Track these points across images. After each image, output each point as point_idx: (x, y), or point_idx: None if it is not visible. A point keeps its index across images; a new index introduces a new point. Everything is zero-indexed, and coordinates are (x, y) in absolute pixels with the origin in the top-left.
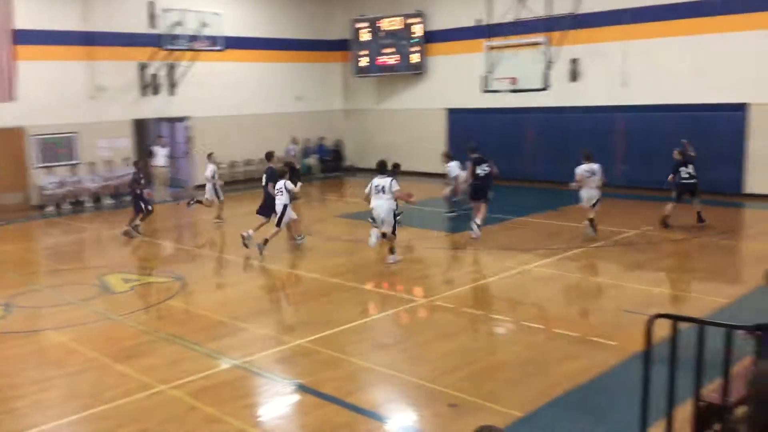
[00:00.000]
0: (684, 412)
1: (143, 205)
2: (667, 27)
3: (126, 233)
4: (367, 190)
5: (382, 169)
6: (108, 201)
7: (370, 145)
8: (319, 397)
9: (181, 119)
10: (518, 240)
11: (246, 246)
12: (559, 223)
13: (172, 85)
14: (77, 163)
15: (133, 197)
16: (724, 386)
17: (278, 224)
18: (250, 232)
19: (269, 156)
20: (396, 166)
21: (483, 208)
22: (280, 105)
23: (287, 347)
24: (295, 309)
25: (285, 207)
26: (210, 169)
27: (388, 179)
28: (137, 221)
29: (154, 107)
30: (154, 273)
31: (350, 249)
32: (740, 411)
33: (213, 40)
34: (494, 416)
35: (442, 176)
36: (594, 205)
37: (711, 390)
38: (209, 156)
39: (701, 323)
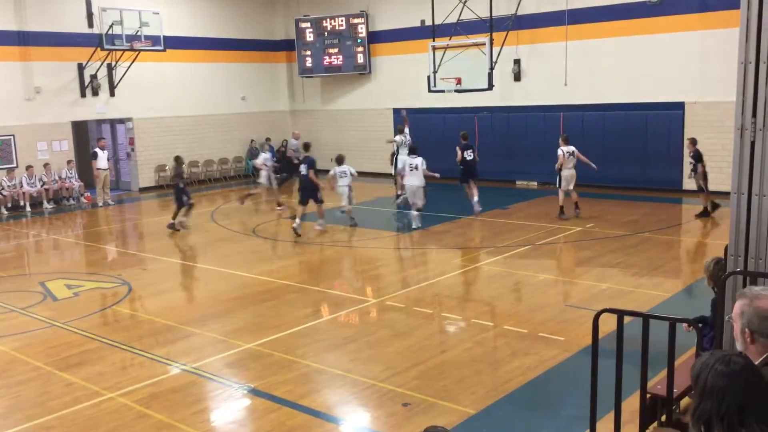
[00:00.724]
0: (632, 404)
1: (185, 199)
2: (606, 28)
3: (171, 226)
4: (400, 167)
5: (414, 151)
6: (48, 205)
7: (317, 146)
8: (272, 401)
9: (122, 121)
10: (467, 238)
11: (298, 234)
12: (506, 222)
13: (113, 86)
14: (14, 167)
15: (176, 190)
16: (668, 378)
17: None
18: (298, 221)
19: (307, 146)
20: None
21: (474, 187)
22: (225, 106)
23: (238, 351)
24: (244, 312)
25: (350, 188)
26: (264, 156)
27: (420, 159)
28: (182, 216)
29: (95, 109)
30: (99, 278)
31: (299, 250)
32: (685, 402)
33: (153, 39)
34: (447, 414)
35: (389, 176)
36: (572, 186)
37: (656, 382)
38: (263, 144)
39: (645, 317)
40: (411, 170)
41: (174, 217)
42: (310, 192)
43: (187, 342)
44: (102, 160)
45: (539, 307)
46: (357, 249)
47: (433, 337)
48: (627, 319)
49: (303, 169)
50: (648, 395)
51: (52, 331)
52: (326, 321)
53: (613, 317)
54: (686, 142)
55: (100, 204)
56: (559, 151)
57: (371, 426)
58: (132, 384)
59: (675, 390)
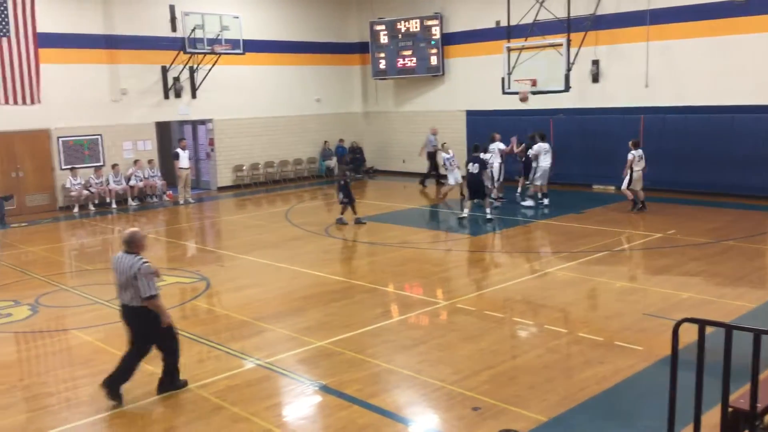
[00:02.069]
0: (712, 418)
1: (340, 196)
2: (690, 28)
3: (338, 221)
4: (534, 151)
5: (544, 138)
6: (132, 203)
7: (389, 148)
8: (343, 399)
9: (203, 122)
10: (540, 243)
11: (463, 226)
12: (582, 226)
13: (194, 88)
14: (101, 165)
15: (340, 187)
16: (752, 392)
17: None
18: (466, 212)
19: (477, 148)
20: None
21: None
22: (300, 107)
23: (310, 348)
24: (316, 310)
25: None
26: (446, 156)
27: (546, 145)
28: (351, 214)
29: (177, 110)
30: (179, 273)
31: (371, 251)
32: None
33: (233, 43)
34: (518, 420)
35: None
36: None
37: (739, 396)
38: (443, 144)
39: (728, 327)
40: (545, 153)
41: (342, 213)
42: (477, 188)
43: (261, 337)
44: (183, 159)
45: (616, 314)
46: (428, 251)
47: (504, 342)
48: (709, 329)
49: (473, 168)
50: (730, 409)
51: None
52: (396, 322)
53: (694, 327)
54: None
55: (182, 202)
56: (630, 155)
57: (441, 429)
58: (209, 377)
59: (758, 404)
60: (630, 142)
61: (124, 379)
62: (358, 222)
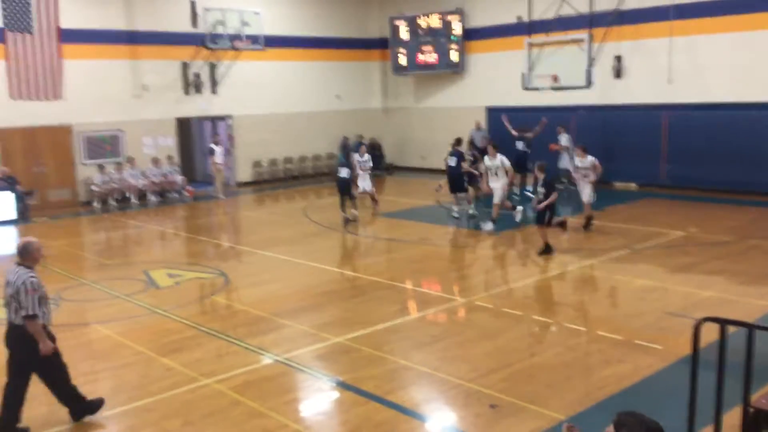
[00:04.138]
0: (732, 418)
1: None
2: (714, 23)
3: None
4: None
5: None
6: (152, 198)
7: (409, 144)
8: (360, 395)
9: (223, 118)
10: (560, 241)
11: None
12: (602, 224)
13: (215, 84)
14: (122, 161)
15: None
16: None
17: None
18: (455, 209)
19: (459, 141)
20: None
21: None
22: (320, 103)
23: (327, 344)
24: (334, 306)
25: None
26: (359, 159)
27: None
28: (352, 208)
29: (197, 106)
30: (199, 268)
31: (389, 248)
32: None
33: (253, 39)
34: (536, 418)
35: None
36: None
37: (760, 396)
38: (361, 146)
39: (750, 327)
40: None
41: (354, 208)
42: (455, 181)
43: (279, 333)
44: (218, 155)
45: (636, 313)
46: (446, 248)
47: (522, 340)
48: (730, 329)
49: (451, 161)
50: (751, 409)
51: (153, 317)
52: (414, 319)
53: (715, 327)
54: None
55: (223, 197)
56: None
57: (457, 426)
58: (227, 371)
59: None
60: (581, 147)
61: (16, 418)
62: (348, 221)
